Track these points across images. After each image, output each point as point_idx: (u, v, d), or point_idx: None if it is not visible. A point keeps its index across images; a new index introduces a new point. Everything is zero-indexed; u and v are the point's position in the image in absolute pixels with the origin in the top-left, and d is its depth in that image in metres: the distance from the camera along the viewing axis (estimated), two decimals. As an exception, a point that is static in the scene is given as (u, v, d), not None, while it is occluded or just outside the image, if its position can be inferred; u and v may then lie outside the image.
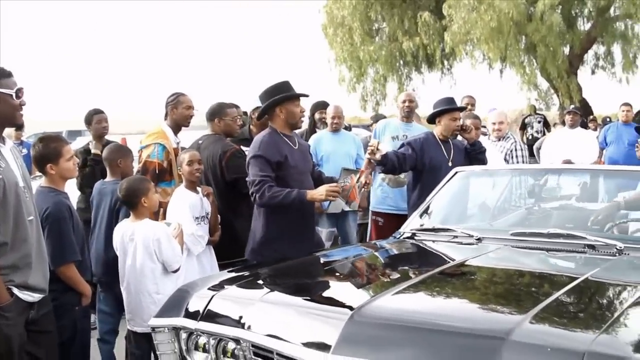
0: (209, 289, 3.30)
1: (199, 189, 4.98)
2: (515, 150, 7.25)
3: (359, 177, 4.88)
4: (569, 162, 7.91)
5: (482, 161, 5.89)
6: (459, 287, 3.36)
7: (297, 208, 4.55)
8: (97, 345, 4.97)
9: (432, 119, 5.97)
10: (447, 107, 5.84)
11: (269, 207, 4.57)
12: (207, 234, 4.98)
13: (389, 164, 5.43)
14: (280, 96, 4.65)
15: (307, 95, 4.96)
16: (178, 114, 5.42)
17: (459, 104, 6.26)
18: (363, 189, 5.07)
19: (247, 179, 4.63)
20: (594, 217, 4.42)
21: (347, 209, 4.91)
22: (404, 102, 6.96)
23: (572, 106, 11.37)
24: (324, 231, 6.51)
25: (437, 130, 5.85)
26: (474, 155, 5.89)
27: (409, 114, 6.94)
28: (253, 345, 2.94)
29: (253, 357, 2.96)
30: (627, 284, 3.32)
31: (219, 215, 5.11)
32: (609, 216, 4.31)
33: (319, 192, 4.55)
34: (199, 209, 4.91)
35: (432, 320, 2.73)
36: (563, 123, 11.37)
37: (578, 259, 3.73)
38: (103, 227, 4.87)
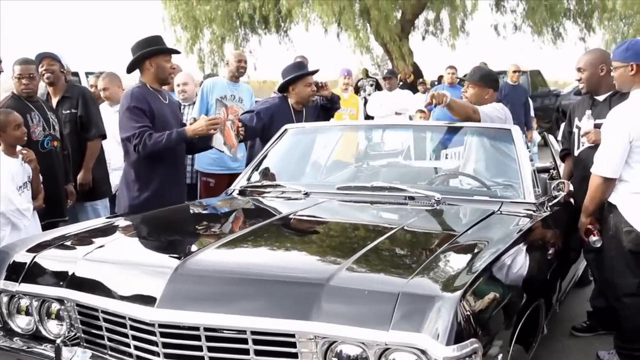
0: (28, 250, 3.19)
1: (18, 152, 4.71)
2: None
3: (229, 115, 4.87)
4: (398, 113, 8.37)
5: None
6: (284, 239, 3.45)
7: (170, 162, 4.64)
8: None
9: (284, 88, 5.59)
10: (299, 73, 5.51)
11: (154, 155, 4.53)
12: (30, 201, 4.72)
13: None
14: (151, 49, 4.67)
15: (178, 52, 5.06)
16: None
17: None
18: (240, 135, 5.00)
19: (123, 135, 4.59)
20: (418, 172, 4.65)
21: (226, 151, 4.81)
22: (239, 61, 6.70)
23: (386, 70, 11.87)
24: None
25: (292, 99, 5.53)
26: (332, 107, 5.96)
27: (241, 74, 6.79)
28: (78, 305, 2.89)
29: (78, 316, 2.91)
30: (440, 232, 3.55)
31: (40, 176, 4.89)
32: (432, 170, 4.53)
33: (199, 125, 4.60)
34: (21, 176, 4.64)
35: (255, 270, 2.79)
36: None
37: (398, 210, 3.89)
38: None
